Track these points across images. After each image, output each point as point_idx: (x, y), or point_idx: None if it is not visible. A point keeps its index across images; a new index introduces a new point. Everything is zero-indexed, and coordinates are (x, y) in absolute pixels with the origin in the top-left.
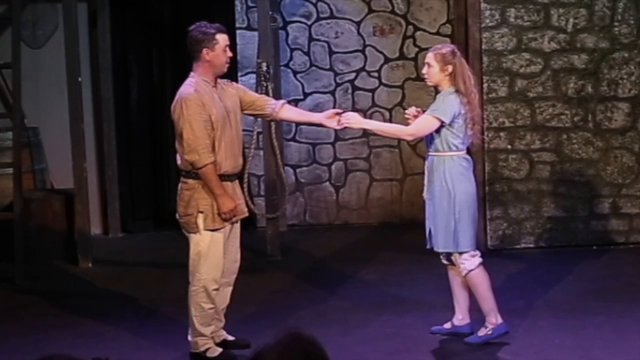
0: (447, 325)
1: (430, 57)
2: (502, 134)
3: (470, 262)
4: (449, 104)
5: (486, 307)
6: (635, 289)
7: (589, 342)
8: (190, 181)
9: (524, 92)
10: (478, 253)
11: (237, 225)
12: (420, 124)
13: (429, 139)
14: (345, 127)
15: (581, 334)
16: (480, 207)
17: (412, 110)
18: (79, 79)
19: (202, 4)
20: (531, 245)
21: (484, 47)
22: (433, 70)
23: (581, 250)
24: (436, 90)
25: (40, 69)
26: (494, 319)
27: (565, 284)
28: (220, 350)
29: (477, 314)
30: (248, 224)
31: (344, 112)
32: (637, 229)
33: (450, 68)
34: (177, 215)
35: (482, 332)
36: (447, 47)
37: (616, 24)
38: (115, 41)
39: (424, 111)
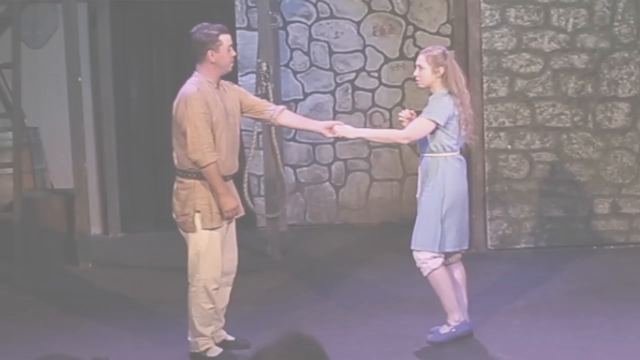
0: None
1: (421, 59)
2: (502, 134)
3: (433, 261)
4: (442, 106)
5: (450, 305)
6: (635, 289)
7: (589, 342)
8: (186, 180)
9: (524, 92)
10: (442, 254)
11: (233, 225)
12: (415, 127)
13: (423, 141)
14: (340, 136)
15: (581, 334)
16: (479, 207)
17: (405, 113)
18: (79, 79)
19: (202, 4)
20: (531, 245)
21: (484, 47)
22: (425, 73)
23: (581, 250)
24: None
25: (40, 69)
26: (457, 316)
27: (565, 283)
28: (220, 350)
29: (475, 315)
30: (248, 224)
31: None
32: (637, 229)
33: (441, 70)
34: (173, 215)
35: (444, 330)
36: (438, 49)
37: (616, 24)
38: (115, 41)
39: (418, 113)
